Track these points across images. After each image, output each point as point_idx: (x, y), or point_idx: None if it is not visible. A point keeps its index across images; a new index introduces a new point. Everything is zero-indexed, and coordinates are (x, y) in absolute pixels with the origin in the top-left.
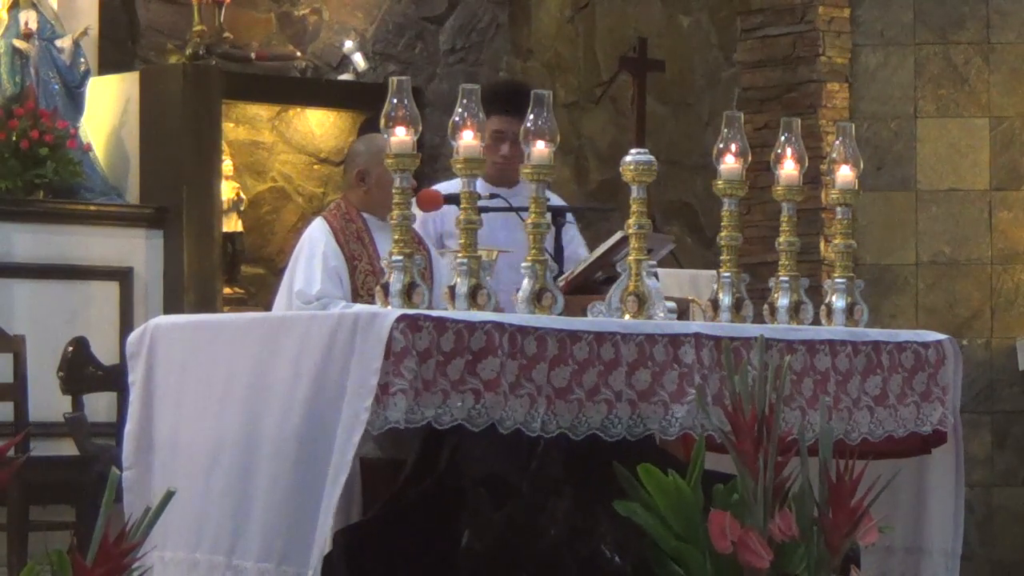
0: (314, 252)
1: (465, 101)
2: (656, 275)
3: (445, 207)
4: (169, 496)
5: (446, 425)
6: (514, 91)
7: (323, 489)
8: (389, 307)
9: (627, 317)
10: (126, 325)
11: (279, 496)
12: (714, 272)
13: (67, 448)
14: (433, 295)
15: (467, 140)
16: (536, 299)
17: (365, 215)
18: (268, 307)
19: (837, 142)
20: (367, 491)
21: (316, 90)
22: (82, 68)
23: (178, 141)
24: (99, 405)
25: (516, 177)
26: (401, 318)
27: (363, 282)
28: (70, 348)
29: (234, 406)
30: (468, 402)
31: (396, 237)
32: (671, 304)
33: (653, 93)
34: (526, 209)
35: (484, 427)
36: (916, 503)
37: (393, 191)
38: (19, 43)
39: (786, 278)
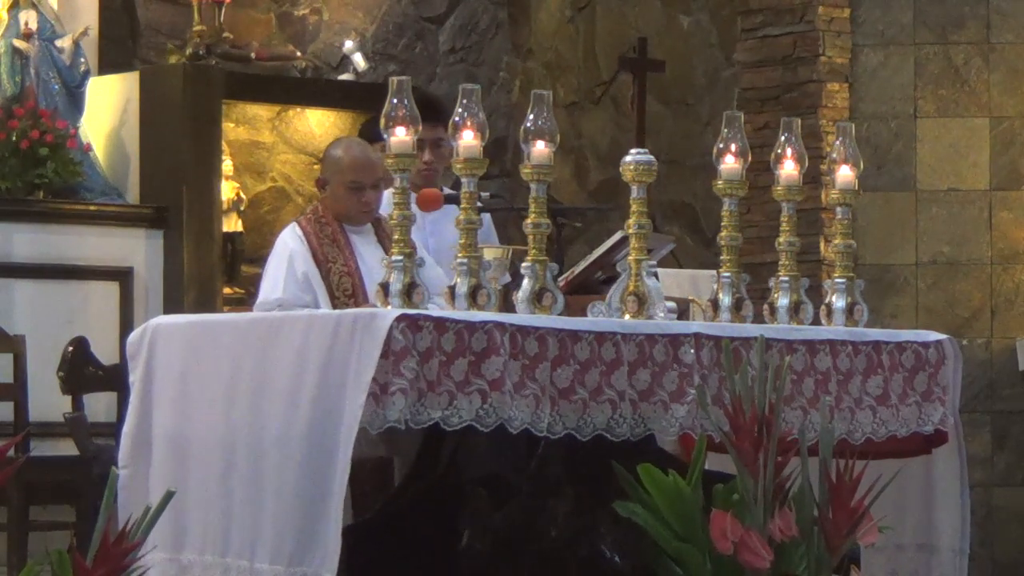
0: (280, 260)
1: (465, 101)
2: (656, 275)
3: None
4: (169, 496)
5: (455, 426)
6: (425, 100)
7: (330, 488)
8: (389, 307)
9: (627, 317)
10: (126, 325)
11: (288, 497)
12: (714, 272)
13: (67, 448)
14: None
15: (467, 140)
16: (536, 299)
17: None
18: None
19: (837, 142)
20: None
21: (316, 90)
22: (82, 68)
23: (178, 141)
24: (99, 405)
25: (438, 181)
26: (400, 318)
27: (338, 283)
28: (70, 348)
29: (241, 407)
30: (476, 402)
31: (396, 237)
32: (671, 304)
33: (653, 93)
34: (526, 209)
35: (493, 427)
36: (925, 501)
37: (393, 191)
38: (19, 43)
39: (786, 278)
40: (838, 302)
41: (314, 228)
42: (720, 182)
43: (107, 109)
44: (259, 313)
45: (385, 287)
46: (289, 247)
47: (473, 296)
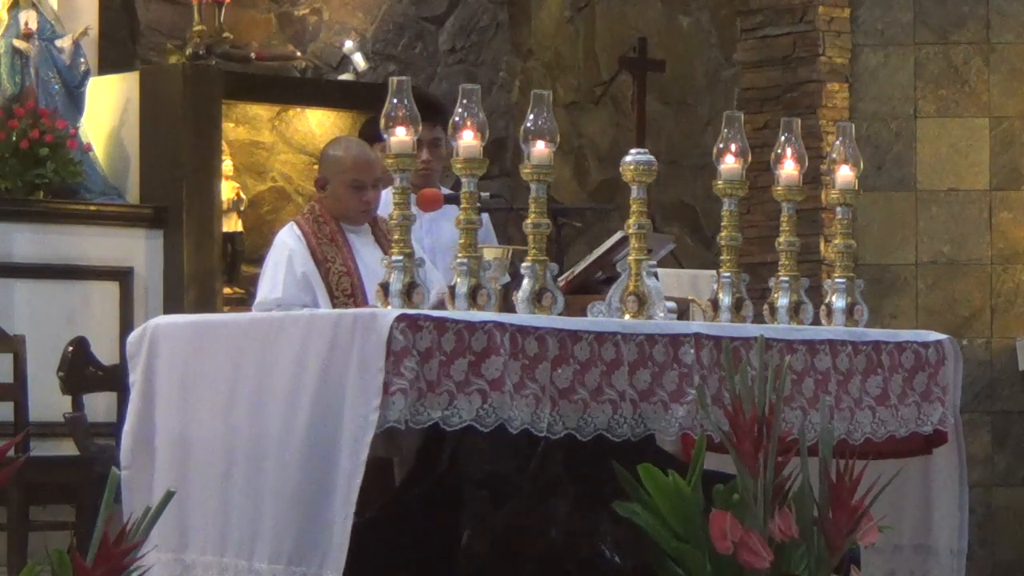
0: (279, 260)
1: (465, 101)
2: (656, 275)
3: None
4: (169, 496)
5: (455, 426)
6: (423, 100)
7: (331, 489)
8: (389, 307)
9: (627, 317)
10: (126, 325)
11: (287, 497)
12: (714, 272)
13: (67, 448)
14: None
15: (467, 140)
16: (536, 299)
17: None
18: None
19: (837, 142)
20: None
21: (316, 90)
22: (82, 68)
23: (178, 141)
24: (99, 405)
25: (435, 181)
26: (401, 318)
27: (338, 283)
28: (70, 348)
29: (242, 408)
30: (475, 403)
31: (396, 237)
32: (671, 304)
33: (653, 93)
34: (526, 209)
35: (493, 427)
36: (923, 502)
37: (392, 191)
38: (19, 43)
39: (786, 278)
40: (838, 302)
41: (312, 228)
42: (720, 182)
43: (107, 109)
44: (259, 313)
45: (385, 287)
46: (288, 247)
47: (473, 296)
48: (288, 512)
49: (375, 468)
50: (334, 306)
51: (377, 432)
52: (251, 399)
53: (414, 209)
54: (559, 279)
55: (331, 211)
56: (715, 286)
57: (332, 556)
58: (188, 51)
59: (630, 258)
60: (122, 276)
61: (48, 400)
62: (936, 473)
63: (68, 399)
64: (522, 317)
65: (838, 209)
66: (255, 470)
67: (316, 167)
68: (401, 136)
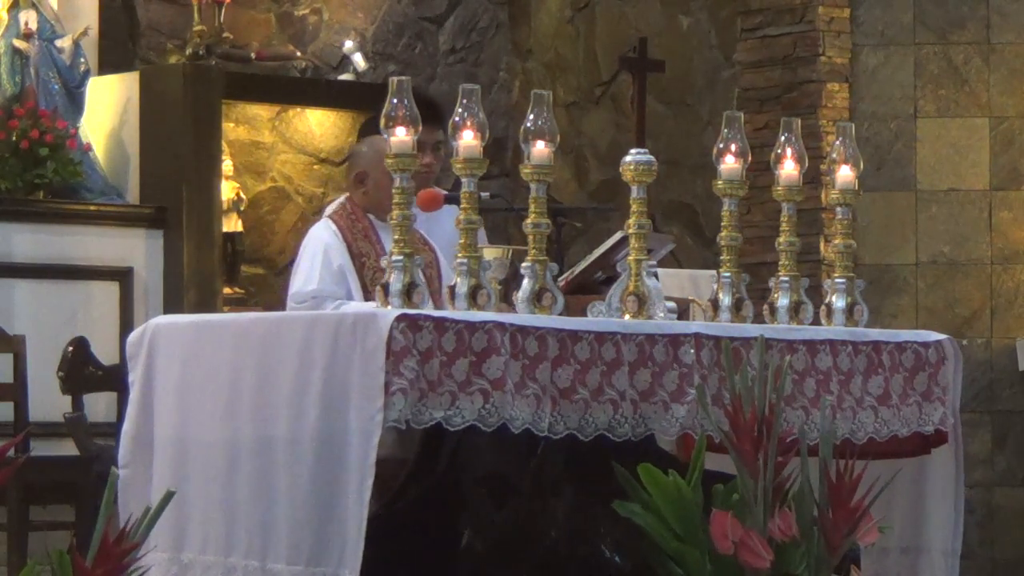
0: (316, 252)
1: (465, 101)
2: (656, 275)
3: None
4: (169, 496)
5: (458, 426)
6: (427, 103)
7: (344, 488)
8: (389, 307)
9: (627, 317)
10: (126, 325)
11: (300, 497)
12: (714, 272)
13: (67, 448)
14: (442, 295)
15: (467, 140)
16: (536, 299)
17: (370, 214)
18: (269, 307)
19: (837, 142)
20: None
21: (316, 90)
22: (82, 68)
23: (178, 141)
24: (99, 405)
25: (432, 184)
26: (400, 318)
27: (372, 279)
28: (70, 348)
29: (244, 408)
30: (478, 402)
31: (396, 237)
32: (671, 304)
33: (653, 93)
34: (526, 209)
35: (495, 427)
36: (915, 503)
37: (393, 191)
38: (19, 43)
39: (786, 278)
40: (838, 302)
41: (347, 223)
42: (720, 182)
43: (107, 109)
44: (260, 313)
45: (385, 287)
46: (324, 241)
47: (473, 296)
48: (303, 512)
49: (393, 466)
50: (367, 300)
51: (388, 429)
52: (254, 399)
53: (413, 208)
54: (559, 279)
55: (370, 205)
56: (715, 286)
57: (348, 556)
58: (188, 51)
59: (630, 258)
60: (122, 276)
61: (48, 400)
62: (932, 474)
63: (68, 399)
64: (522, 317)
65: (838, 209)
66: (262, 470)
67: (316, 167)
68: (401, 136)
